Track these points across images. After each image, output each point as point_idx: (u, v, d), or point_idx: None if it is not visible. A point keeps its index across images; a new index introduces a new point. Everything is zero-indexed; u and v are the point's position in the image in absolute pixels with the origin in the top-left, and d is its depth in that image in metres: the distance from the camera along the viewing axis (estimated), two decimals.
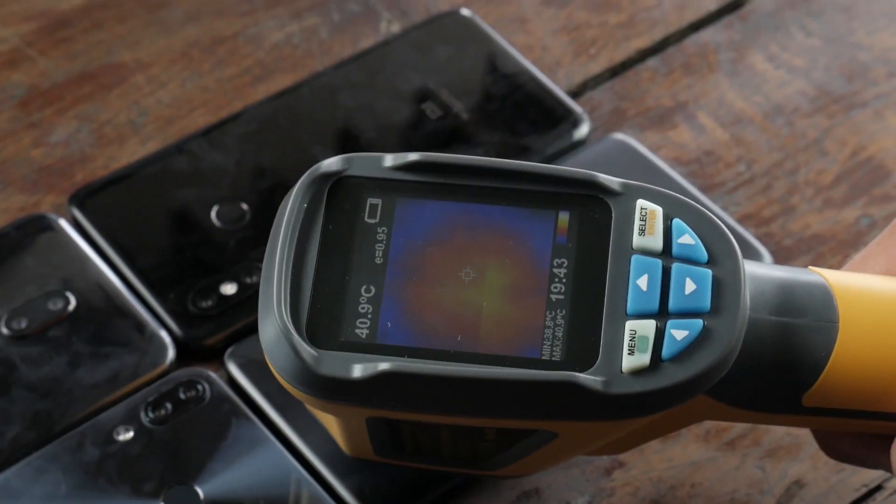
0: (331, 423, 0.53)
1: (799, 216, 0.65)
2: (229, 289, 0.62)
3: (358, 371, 0.48)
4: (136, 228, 0.64)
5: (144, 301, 0.62)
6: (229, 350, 0.60)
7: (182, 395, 0.58)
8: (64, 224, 0.63)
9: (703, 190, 0.66)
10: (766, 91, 0.69)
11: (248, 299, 0.61)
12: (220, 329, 0.61)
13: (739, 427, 0.59)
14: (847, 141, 0.68)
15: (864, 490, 0.58)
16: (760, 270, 0.51)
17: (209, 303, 0.61)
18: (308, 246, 0.49)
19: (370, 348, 0.48)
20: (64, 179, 0.66)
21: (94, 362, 0.59)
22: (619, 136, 0.67)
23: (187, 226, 0.64)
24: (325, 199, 0.50)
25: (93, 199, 0.64)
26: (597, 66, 0.70)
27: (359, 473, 0.57)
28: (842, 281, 0.51)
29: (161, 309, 0.61)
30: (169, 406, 0.58)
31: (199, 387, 0.58)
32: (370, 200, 0.50)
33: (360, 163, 0.51)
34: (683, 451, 0.58)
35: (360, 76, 0.68)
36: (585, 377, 0.47)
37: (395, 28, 0.71)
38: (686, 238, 0.49)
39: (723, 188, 0.66)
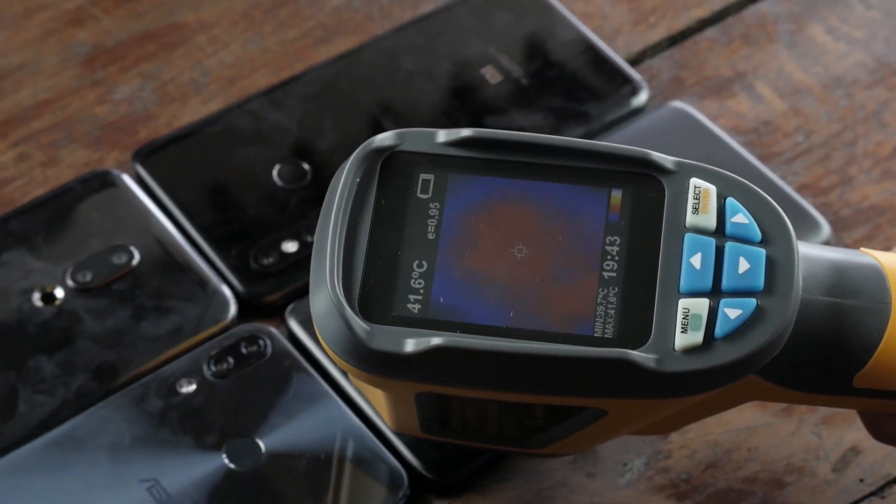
0: (377, 399, 0.54)
1: (857, 187, 0.66)
2: (290, 246, 0.62)
3: (410, 346, 0.48)
4: (199, 186, 0.64)
5: (206, 257, 0.62)
6: (290, 307, 0.61)
7: (244, 350, 0.59)
8: (127, 180, 0.64)
9: (761, 159, 0.66)
10: (825, 63, 0.69)
11: (309, 257, 0.61)
12: (280, 286, 0.62)
13: None
14: None
15: None
16: (813, 251, 0.51)
17: (270, 260, 0.62)
18: (360, 220, 0.49)
19: (422, 323, 0.48)
20: (127, 136, 0.66)
21: (157, 316, 0.60)
22: (678, 104, 0.67)
23: (249, 184, 0.64)
24: (377, 173, 0.50)
25: (156, 156, 0.65)
26: (656, 35, 0.70)
27: None
28: (894, 262, 0.51)
29: (223, 265, 0.62)
30: (231, 360, 0.59)
31: (261, 342, 0.59)
32: (423, 176, 0.50)
33: (413, 138, 0.51)
34: (740, 416, 0.59)
35: (420, 40, 0.69)
36: (638, 355, 0.47)
37: None
38: (740, 217, 0.49)
39: (781, 158, 0.66)
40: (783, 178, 0.65)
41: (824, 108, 0.68)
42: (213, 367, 0.58)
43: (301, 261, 0.62)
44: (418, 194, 0.50)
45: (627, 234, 0.49)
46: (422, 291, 0.49)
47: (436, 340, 0.47)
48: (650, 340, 0.48)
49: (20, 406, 0.57)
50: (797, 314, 0.49)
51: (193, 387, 0.58)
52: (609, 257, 0.49)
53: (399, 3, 0.71)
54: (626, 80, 0.68)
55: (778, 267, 0.49)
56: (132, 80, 0.68)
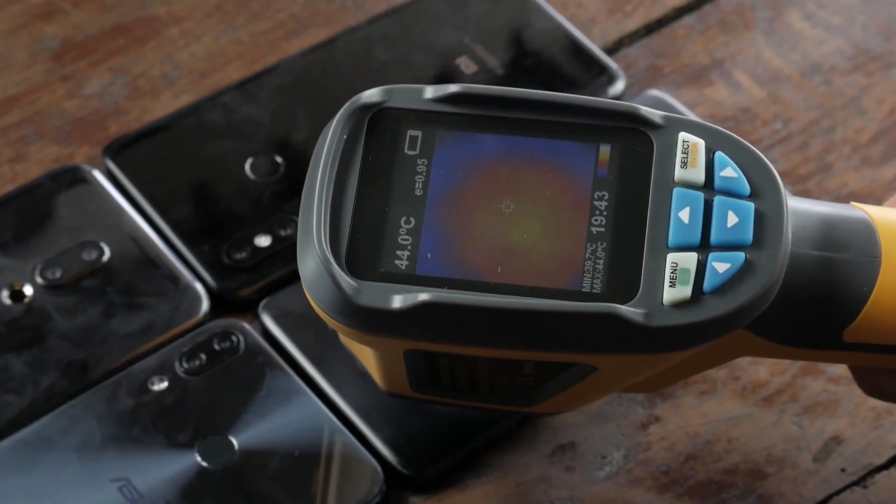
0: (367, 357, 0.53)
1: (836, 174, 0.65)
2: (263, 241, 0.61)
3: (397, 302, 0.47)
4: (170, 180, 0.63)
5: (178, 252, 0.61)
6: (263, 302, 0.60)
7: (216, 346, 0.58)
8: (98, 175, 0.63)
9: None
10: (803, 49, 0.69)
11: (282, 251, 0.61)
12: (253, 281, 0.61)
13: (776, 383, 0.59)
14: (885, 99, 0.67)
15: None
16: (803, 205, 0.51)
17: (243, 255, 0.61)
18: (347, 177, 0.49)
19: (410, 279, 0.48)
20: (98, 131, 0.65)
21: (128, 313, 0.59)
22: (655, 92, 0.67)
23: (221, 178, 0.63)
24: (364, 130, 0.50)
25: (127, 151, 0.64)
26: (632, 23, 0.70)
27: (393, 425, 0.56)
28: (885, 216, 0.51)
29: (195, 260, 0.61)
30: (203, 357, 0.58)
31: (234, 338, 0.58)
32: (410, 132, 0.50)
33: (401, 94, 0.51)
34: (720, 407, 0.58)
35: (394, 31, 0.68)
36: (626, 309, 0.47)
37: None
38: (728, 171, 0.49)
39: (759, 146, 0.66)
40: None
41: (802, 95, 0.67)
42: (185, 364, 0.58)
43: (274, 255, 0.61)
44: (406, 151, 0.50)
45: (616, 189, 0.49)
46: (409, 248, 0.48)
47: (423, 296, 0.47)
48: (638, 295, 0.48)
49: None
50: (786, 268, 0.49)
51: (165, 384, 0.57)
52: (597, 212, 0.49)
53: None
54: (603, 69, 0.67)
55: (767, 221, 0.49)
56: (102, 74, 0.67)
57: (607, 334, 0.47)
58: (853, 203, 0.52)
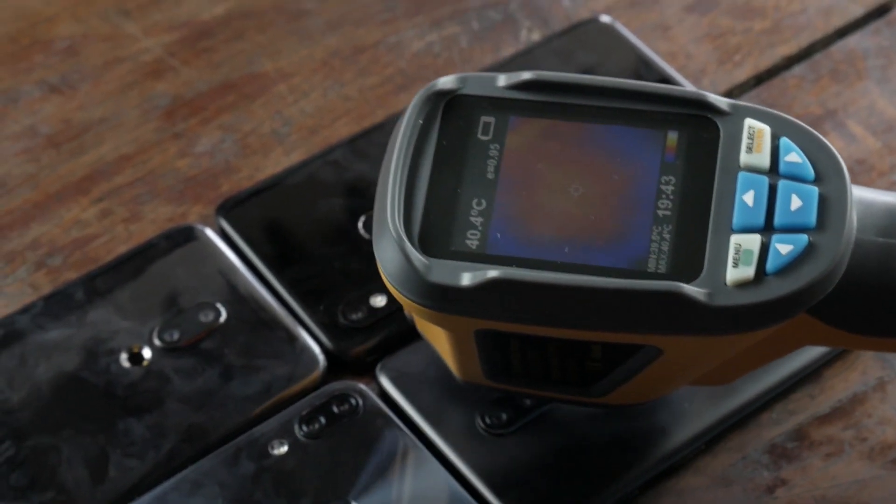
0: (442, 343, 0.54)
1: None
2: (379, 300, 0.61)
3: (467, 279, 0.49)
4: (284, 239, 0.63)
5: (294, 313, 0.61)
6: (381, 363, 0.60)
7: (335, 409, 0.58)
8: (211, 234, 0.63)
9: None
10: None
11: (398, 311, 0.61)
12: (370, 341, 0.60)
13: None
14: None
15: None
16: (868, 193, 0.51)
17: (359, 315, 0.61)
18: (422, 160, 0.51)
19: (480, 258, 0.49)
20: (210, 190, 0.65)
21: (246, 374, 0.59)
22: None
23: (335, 236, 0.63)
24: (440, 116, 0.51)
25: (239, 210, 0.64)
26: (742, 74, 0.69)
27: (516, 490, 0.56)
28: None
29: (311, 321, 0.61)
30: (322, 420, 0.57)
31: (352, 400, 0.58)
32: (483, 118, 0.52)
33: (475, 82, 0.52)
34: (847, 469, 0.57)
35: None
36: (690, 288, 0.48)
37: (536, 36, 0.70)
38: (793, 156, 0.50)
39: None
40: None
41: None
42: (304, 428, 0.57)
43: (390, 315, 0.61)
44: (479, 136, 0.51)
45: (682, 174, 0.50)
46: (480, 228, 0.50)
47: (492, 273, 0.48)
48: (702, 275, 0.49)
49: (111, 470, 0.56)
50: (851, 255, 0.49)
51: (285, 448, 0.57)
52: (664, 196, 0.50)
53: (479, 46, 0.70)
54: None
55: (831, 205, 0.49)
56: (213, 132, 0.67)
57: (671, 313, 0.48)
58: None
